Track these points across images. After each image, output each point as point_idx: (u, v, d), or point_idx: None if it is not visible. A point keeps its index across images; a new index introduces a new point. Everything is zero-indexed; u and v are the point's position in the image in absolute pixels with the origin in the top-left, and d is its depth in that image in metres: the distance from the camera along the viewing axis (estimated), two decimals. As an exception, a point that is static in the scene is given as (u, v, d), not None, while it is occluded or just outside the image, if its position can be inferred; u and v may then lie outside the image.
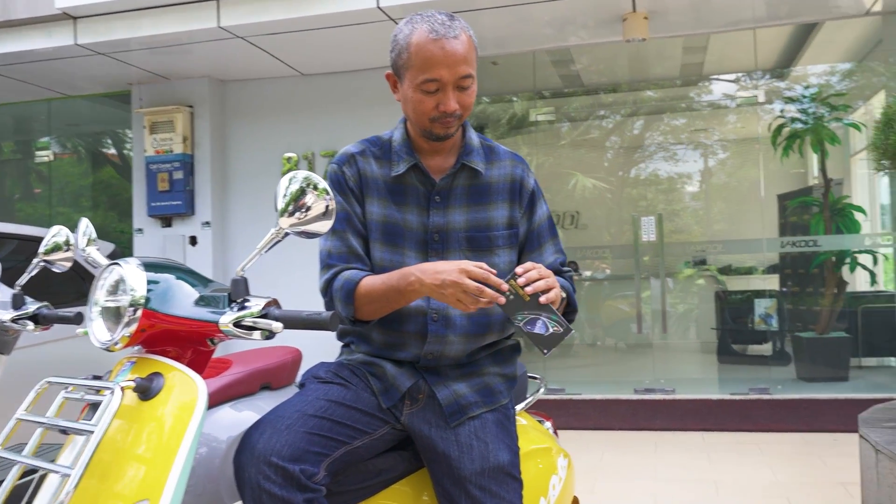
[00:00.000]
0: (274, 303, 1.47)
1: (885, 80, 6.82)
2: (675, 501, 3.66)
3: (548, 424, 2.28)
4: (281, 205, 1.43)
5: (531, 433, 2.02)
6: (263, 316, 1.44)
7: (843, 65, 7.34)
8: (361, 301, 1.63)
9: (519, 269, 1.52)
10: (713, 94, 8.32)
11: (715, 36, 6.93)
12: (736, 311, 7.44)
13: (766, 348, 7.26)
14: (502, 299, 1.49)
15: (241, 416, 2.07)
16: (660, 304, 7.07)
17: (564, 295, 1.70)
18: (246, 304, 1.44)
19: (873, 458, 2.20)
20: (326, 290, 1.69)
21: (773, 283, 7.53)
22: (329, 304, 1.69)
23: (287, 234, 1.46)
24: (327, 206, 1.40)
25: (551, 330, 1.48)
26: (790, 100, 6.98)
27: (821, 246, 6.29)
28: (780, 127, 6.79)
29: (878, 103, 7.66)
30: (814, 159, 8.44)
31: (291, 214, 1.43)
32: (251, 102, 7.02)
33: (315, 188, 1.43)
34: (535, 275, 1.52)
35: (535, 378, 2.23)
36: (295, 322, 1.44)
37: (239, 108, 7.04)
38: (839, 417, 5.19)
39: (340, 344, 1.87)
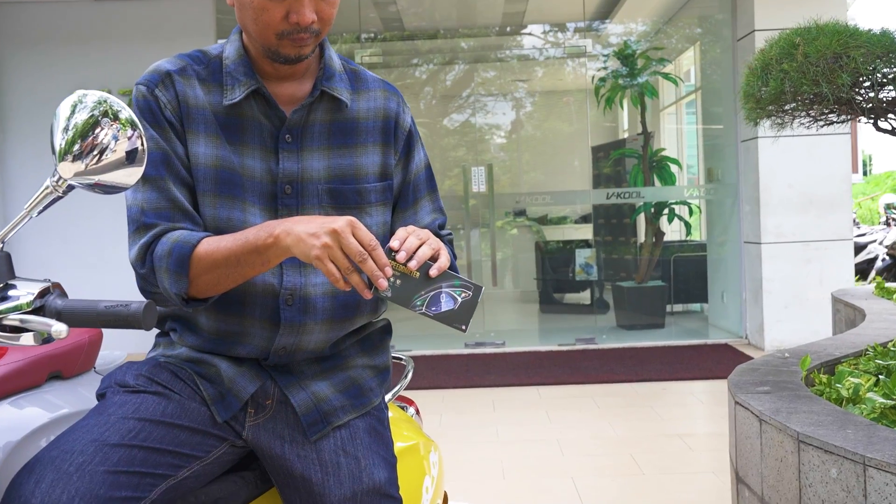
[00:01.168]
0: (55, 289, 0.99)
1: (699, 34, 6.96)
2: (522, 467, 3.46)
3: (411, 410, 1.93)
4: (60, 144, 0.94)
5: (398, 428, 1.66)
6: (38, 310, 0.96)
7: (659, 18, 7.43)
8: (199, 268, 1.19)
9: (393, 244, 1.15)
10: (535, 44, 8.22)
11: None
12: (558, 261, 7.46)
13: (585, 297, 7.35)
14: (384, 283, 1.11)
15: (23, 416, 1.58)
16: (489, 255, 6.92)
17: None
18: (9, 292, 0.96)
19: (756, 428, 2.04)
20: (144, 260, 1.22)
21: (593, 233, 7.62)
22: (146, 279, 1.22)
23: (71, 188, 0.97)
24: (137, 148, 0.94)
25: (460, 299, 1.15)
26: (612, 52, 6.96)
27: (644, 197, 6.37)
28: (602, 79, 6.76)
29: (688, 58, 7.87)
30: (624, 113, 8.62)
31: (77, 158, 0.94)
32: (31, 29, 6.00)
33: (115, 118, 0.95)
34: (414, 242, 1.15)
35: (399, 360, 1.86)
36: (88, 318, 0.97)
37: (16, 35, 6.00)
38: (662, 365, 5.27)
39: (155, 332, 1.40)
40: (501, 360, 5.71)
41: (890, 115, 2.37)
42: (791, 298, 5.55)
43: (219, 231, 1.26)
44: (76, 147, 0.93)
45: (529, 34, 8.13)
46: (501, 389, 4.89)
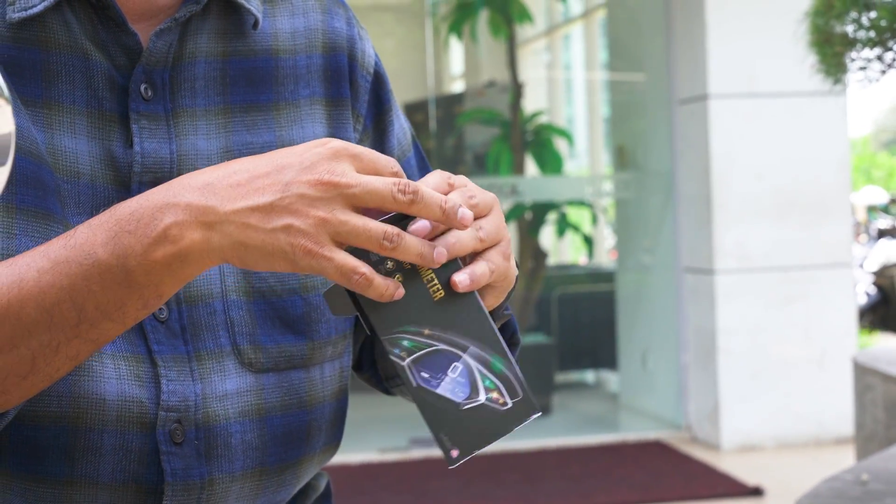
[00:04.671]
0: None
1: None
2: None
3: None
4: None
5: None
6: None
7: None
8: None
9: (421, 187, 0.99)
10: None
11: None
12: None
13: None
14: (443, 254, 0.97)
15: None
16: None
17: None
18: None
19: None
20: None
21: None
22: None
23: None
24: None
25: (483, 398, 0.98)
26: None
27: (521, 193, 6.40)
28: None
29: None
30: (457, 48, 8.70)
31: None
32: None
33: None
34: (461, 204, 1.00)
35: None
36: None
37: None
38: (566, 483, 5.26)
39: None
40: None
41: None
42: (763, 362, 5.74)
43: None
44: None
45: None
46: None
